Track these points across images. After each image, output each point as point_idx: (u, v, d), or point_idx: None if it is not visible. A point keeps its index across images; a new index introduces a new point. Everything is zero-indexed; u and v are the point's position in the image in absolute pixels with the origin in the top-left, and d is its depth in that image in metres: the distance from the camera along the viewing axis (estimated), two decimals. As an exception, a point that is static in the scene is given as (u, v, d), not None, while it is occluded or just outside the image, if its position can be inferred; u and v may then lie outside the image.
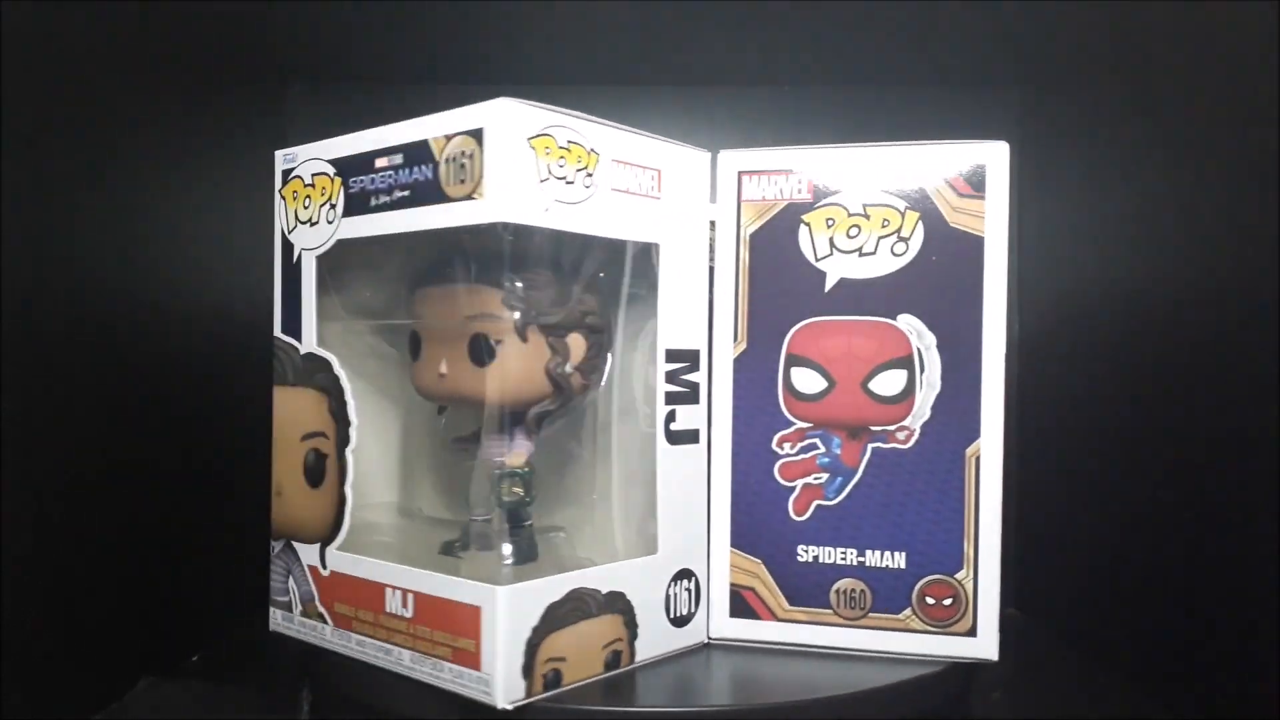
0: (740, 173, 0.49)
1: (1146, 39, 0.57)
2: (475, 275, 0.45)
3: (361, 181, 0.46)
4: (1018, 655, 0.60)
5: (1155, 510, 0.54)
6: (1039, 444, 0.69)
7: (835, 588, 0.48)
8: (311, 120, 0.74)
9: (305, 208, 0.49)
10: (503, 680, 0.40)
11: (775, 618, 0.48)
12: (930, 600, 0.47)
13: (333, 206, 0.47)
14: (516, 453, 0.46)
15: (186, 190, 0.59)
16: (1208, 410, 0.50)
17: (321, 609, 0.48)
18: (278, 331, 0.50)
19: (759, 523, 0.48)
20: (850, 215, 0.47)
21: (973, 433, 0.46)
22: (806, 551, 0.48)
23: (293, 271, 0.49)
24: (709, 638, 0.49)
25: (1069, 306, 0.66)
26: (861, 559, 0.47)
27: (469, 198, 0.41)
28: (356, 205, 0.46)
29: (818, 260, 0.48)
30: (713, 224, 0.49)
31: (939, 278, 0.46)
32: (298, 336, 0.49)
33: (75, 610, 0.48)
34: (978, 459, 0.46)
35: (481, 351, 0.44)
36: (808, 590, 0.48)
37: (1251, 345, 0.46)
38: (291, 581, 0.50)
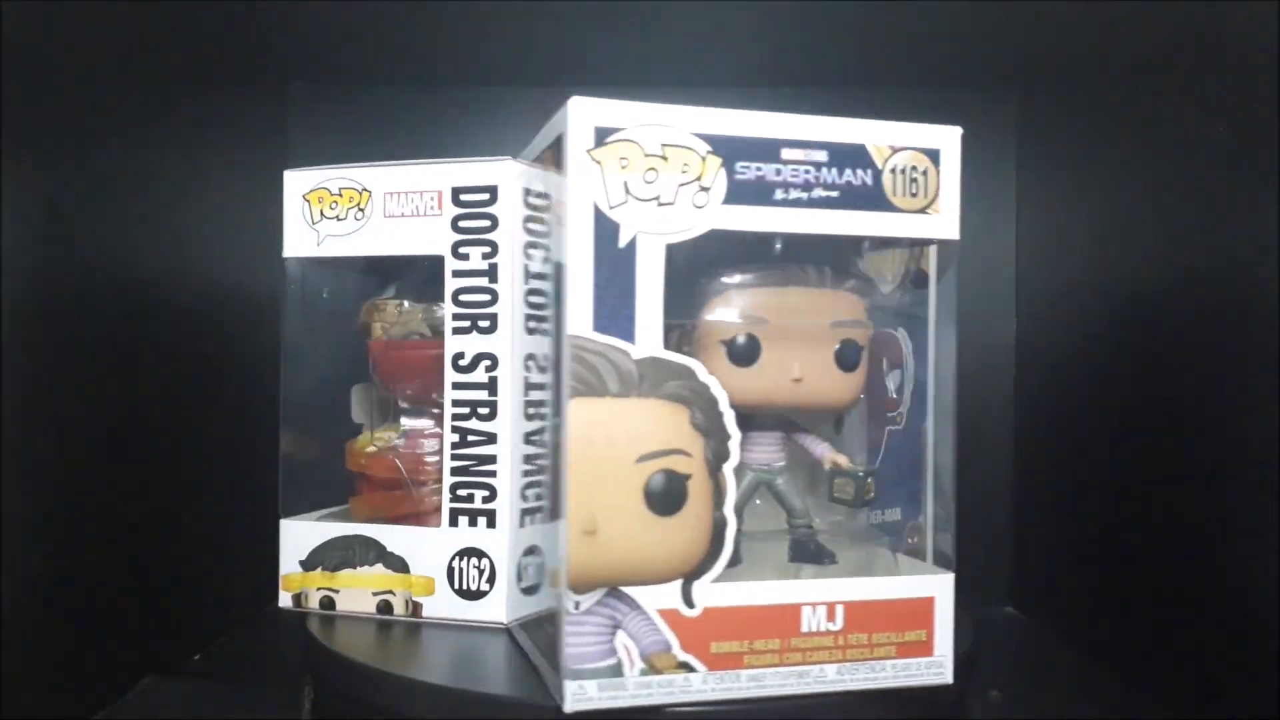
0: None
1: (1146, 39, 0.56)
2: (834, 280, 0.46)
3: (759, 169, 0.42)
4: (1018, 655, 0.63)
5: (1155, 510, 0.54)
6: (1036, 444, 0.70)
7: None
8: (311, 120, 0.73)
9: (648, 182, 0.42)
10: (949, 657, 0.45)
11: None
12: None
13: (704, 189, 0.42)
14: (839, 453, 0.48)
15: (187, 189, 0.58)
16: (1207, 410, 0.50)
17: (687, 657, 0.42)
18: (582, 330, 0.41)
19: None
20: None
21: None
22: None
23: (620, 258, 0.41)
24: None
25: (1068, 306, 0.66)
26: None
27: (923, 212, 0.44)
28: (746, 194, 0.42)
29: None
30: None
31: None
32: (628, 338, 0.41)
33: (75, 610, 0.48)
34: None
35: (853, 357, 0.46)
36: None
37: (1252, 345, 0.46)
38: (622, 638, 0.41)
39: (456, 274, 0.53)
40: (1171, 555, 0.52)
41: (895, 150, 0.43)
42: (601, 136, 0.40)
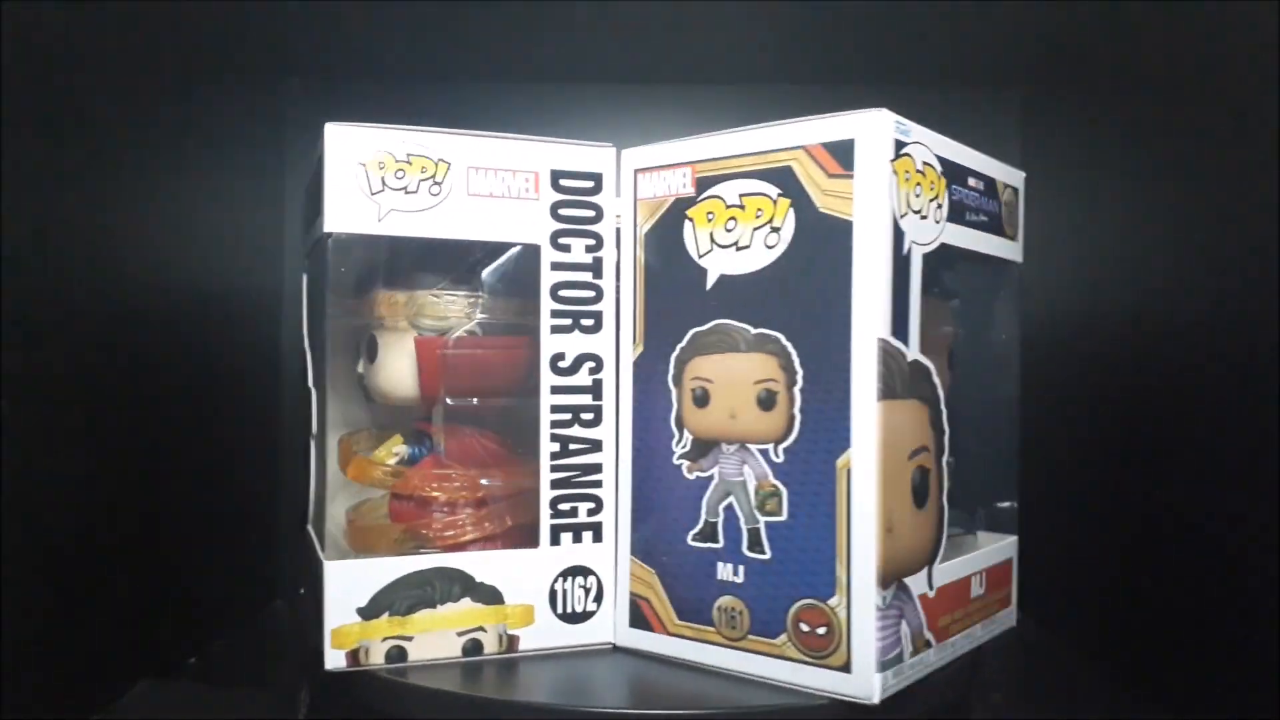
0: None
1: (1149, 39, 0.56)
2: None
3: (961, 193, 0.48)
4: (1020, 658, 0.61)
5: (1157, 512, 0.54)
6: (1040, 446, 0.67)
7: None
8: (310, 120, 0.66)
9: (917, 196, 0.45)
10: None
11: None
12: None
13: (940, 206, 0.46)
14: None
15: (185, 188, 0.58)
16: (1210, 411, 0.50)
17: (928, 634, 0.46)
18: (885, 334, 0.43)
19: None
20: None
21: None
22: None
23: (902, 265, 0.43)
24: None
25: (1071, 309, 0.65)
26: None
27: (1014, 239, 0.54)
28: (955, 214, 0.47)
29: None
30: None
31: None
32: (906, 341, 0.44)
33: (75, 610, 0.48)
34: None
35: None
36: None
37: (1252, 347, 0.46)
38: (904, 627, 0.45)
39: (556, 266, 0.49)
40: (1174, 558, 0.52)
41: (1007, 187, 0.51)
42: (899, 149, 0.42)
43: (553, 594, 0.48)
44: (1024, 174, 0.54)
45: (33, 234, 0.44)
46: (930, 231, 0.45)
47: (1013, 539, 0.54)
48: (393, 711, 0.44)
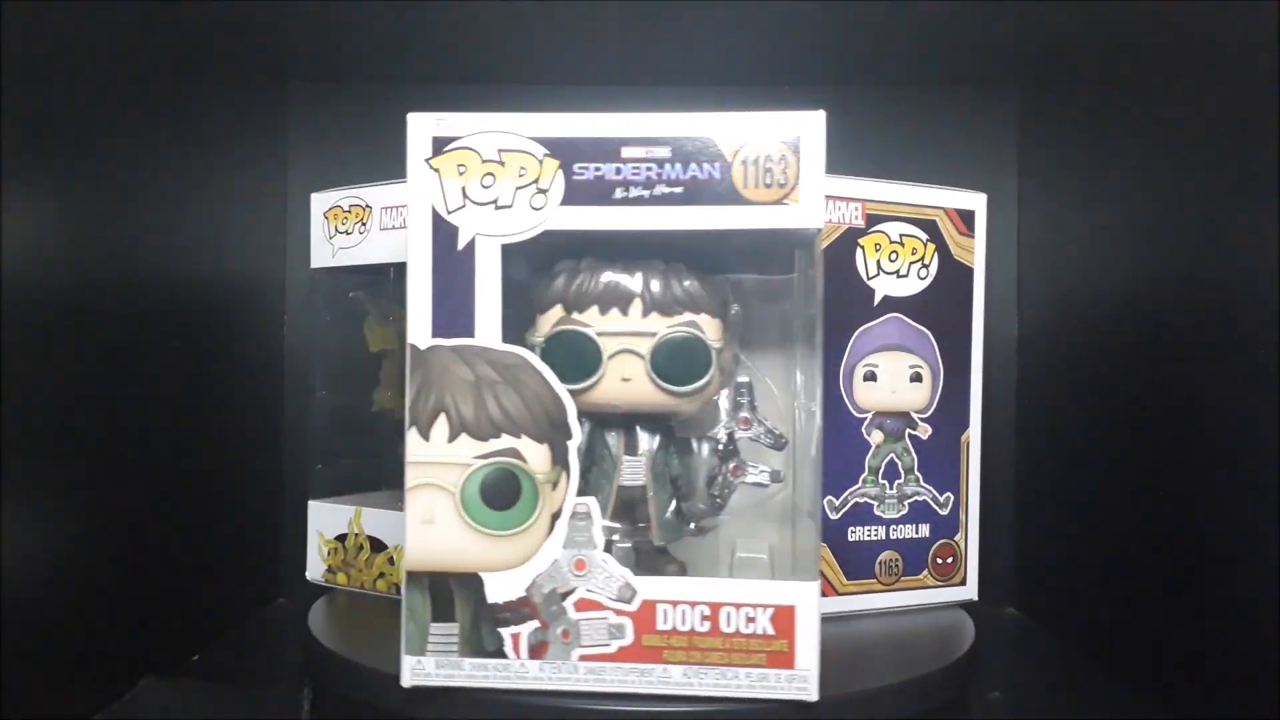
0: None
1: (1148, 38, 0.57)
2: None
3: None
4: (1018, 655, 0.63)
5: (1155, 510, 0.55)
6: (1039, 444, 0.69)
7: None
8: (311, 120, 0.73)
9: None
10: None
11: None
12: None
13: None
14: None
15: (186, 189, 0.59)
16: (1208, 410, 0.50)
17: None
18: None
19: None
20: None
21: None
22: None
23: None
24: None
25: (1069, 306, 0.66)
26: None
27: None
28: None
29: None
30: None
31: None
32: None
33: (75, 610, 0.48)
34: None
35: None
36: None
37: (1252, 345, 0.46)
38: None
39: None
40: (1173, 556, 0.52)
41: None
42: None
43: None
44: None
45: (32, 234, 0.45)
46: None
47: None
48: (395, 711, 0.44)
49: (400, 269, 0.52)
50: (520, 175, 0.43)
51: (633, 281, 0.46)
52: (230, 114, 0.65)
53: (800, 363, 0.49)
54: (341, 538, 0.61)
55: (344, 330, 0.64)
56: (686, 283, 0.46)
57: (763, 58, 0.69)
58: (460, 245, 0.43)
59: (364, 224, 0.59)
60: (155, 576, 0.56)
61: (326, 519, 0.62)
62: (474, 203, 0.43)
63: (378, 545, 0.60)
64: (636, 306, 0.45)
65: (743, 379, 0.48)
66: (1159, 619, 0.53)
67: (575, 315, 0.46)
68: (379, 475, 0.66)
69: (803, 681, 0.43)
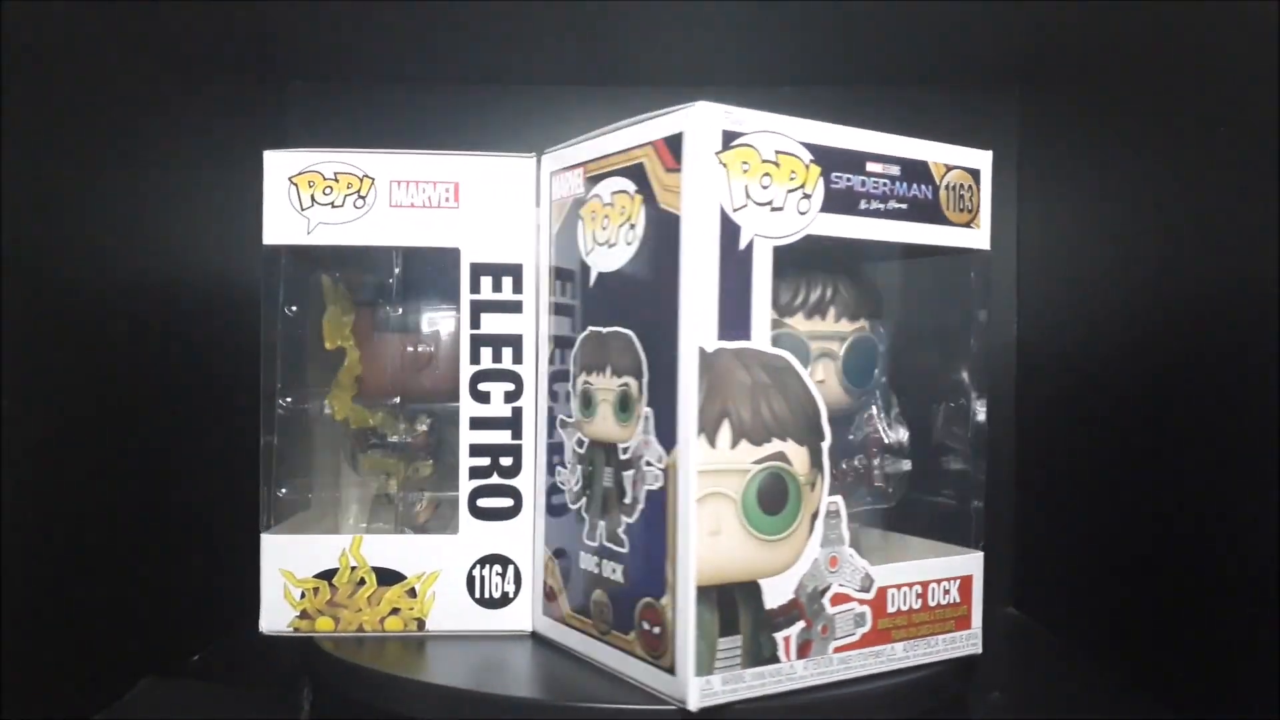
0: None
1: (1148, 38, 0.56)
2: None
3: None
4: (1018, 655, 0.62)
5: (1155, 510, 0.54)
6: (1038, 445, 0.68)
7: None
8: (311, 120, 0.73)
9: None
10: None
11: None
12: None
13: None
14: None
15: (186, 189, 0.59)
16: (1208, 410, 0.50)
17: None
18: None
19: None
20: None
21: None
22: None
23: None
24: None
25: (1068, 307, 0.65)
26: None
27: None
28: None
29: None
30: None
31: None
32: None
33: (75, 610, 0.48)
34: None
35: None
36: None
37: (1251, 345, 0.46)
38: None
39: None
40: (1173, 555, 0.52)
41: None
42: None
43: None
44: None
45: (31, 235, 0.45)
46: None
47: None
48: (394, 711, 0.45)
49: (412, 256, 0.54)
50: (791, 179, 0.43)
51: (828, 286, 0.48)
52: (230, 113, 0.65)
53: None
54: (328, 574, 0.51)
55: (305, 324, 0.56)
56: (861, 288, 0.49)
57: (763, 58, 0.69)
58: (741, 245, 0.42)
59: (361, 196, 0.51)
60: (155, 577, 0.55)
61: (294, 554, 0.51)
62: (754, 203, 0.42)
63: (389, 577, 0.51)
64: (832, 311, 0.48)
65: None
66: (1159, 619, 0.53)
67: (785, 320, 0.47)
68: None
69: (975, 637, 0.50)
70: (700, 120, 0.41)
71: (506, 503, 0.52)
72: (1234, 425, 0.47)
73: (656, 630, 0.43)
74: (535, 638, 0.51)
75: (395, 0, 0.57)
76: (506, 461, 0.52)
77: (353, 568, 0.51)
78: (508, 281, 0.52)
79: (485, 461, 0.51)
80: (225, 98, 0.65)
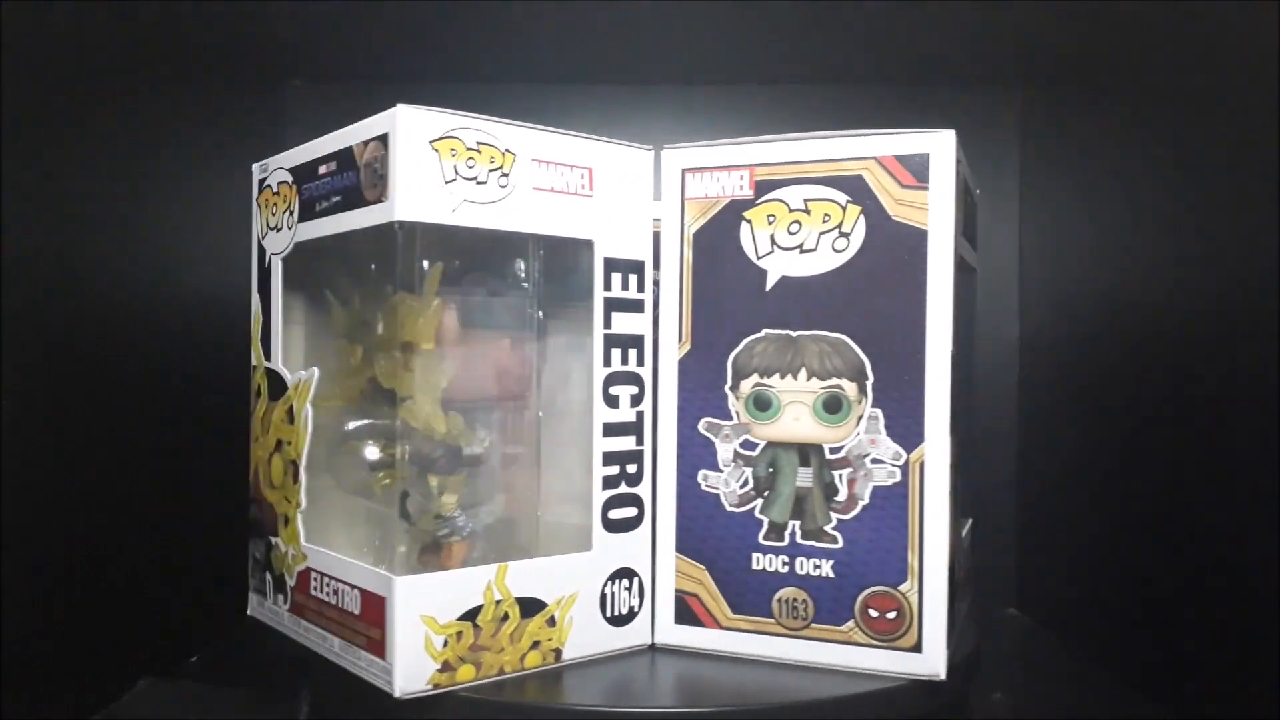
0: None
1: (1148, 39, 0.55)
2: None
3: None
4: (1018, 655, 0.61)
5: (1155, 511, 0.54)
6: (1039, 446, 0.68)
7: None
8: (310, 120, 0.73)
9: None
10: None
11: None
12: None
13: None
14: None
15: (186, 189, 0.60)
16: (1208, 412, 0.49)
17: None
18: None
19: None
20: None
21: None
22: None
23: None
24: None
25: (1070, 308, 0.64)
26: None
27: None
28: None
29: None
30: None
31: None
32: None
33: (75, 610, 0.48)
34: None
35: None
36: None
37: (1252, 346, 0.45)
38: None
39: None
40: (1174, 557, 0.52)
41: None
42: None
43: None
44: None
45: (32, 235, 0.45)
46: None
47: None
48: (393, 713, 0.43)
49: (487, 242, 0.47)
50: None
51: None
52: (228, 114, 0.65)
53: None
54: (471, 614, 0.44)
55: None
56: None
57: (763, 57, 0.69)
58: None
59: (505, 174, 0.45)
60: (155, 577, 0.55)
61: (436, 595, 0.43)
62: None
63: (531, 607, 0.46)
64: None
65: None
66: (1159, 619, 0.53)
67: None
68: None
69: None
70: (946, 144, 0.45)
71: (632, 512, 0.49)
72: (1234, 426, 0.47)
73: (892, 615, 0.45)
74: (655, 650, 0.50)
75: (394, 0, 0.58)
76: (632, 469, 0.49)
77: (497, 601, 0.44)
78: (634, 279, 0.49)
79: (615, 470, 0.48)
80: (225, 98, 0.64)
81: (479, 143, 0.44)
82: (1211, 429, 0.49)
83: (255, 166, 0.55)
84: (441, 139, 0.43)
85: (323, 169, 0.48)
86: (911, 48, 0.66)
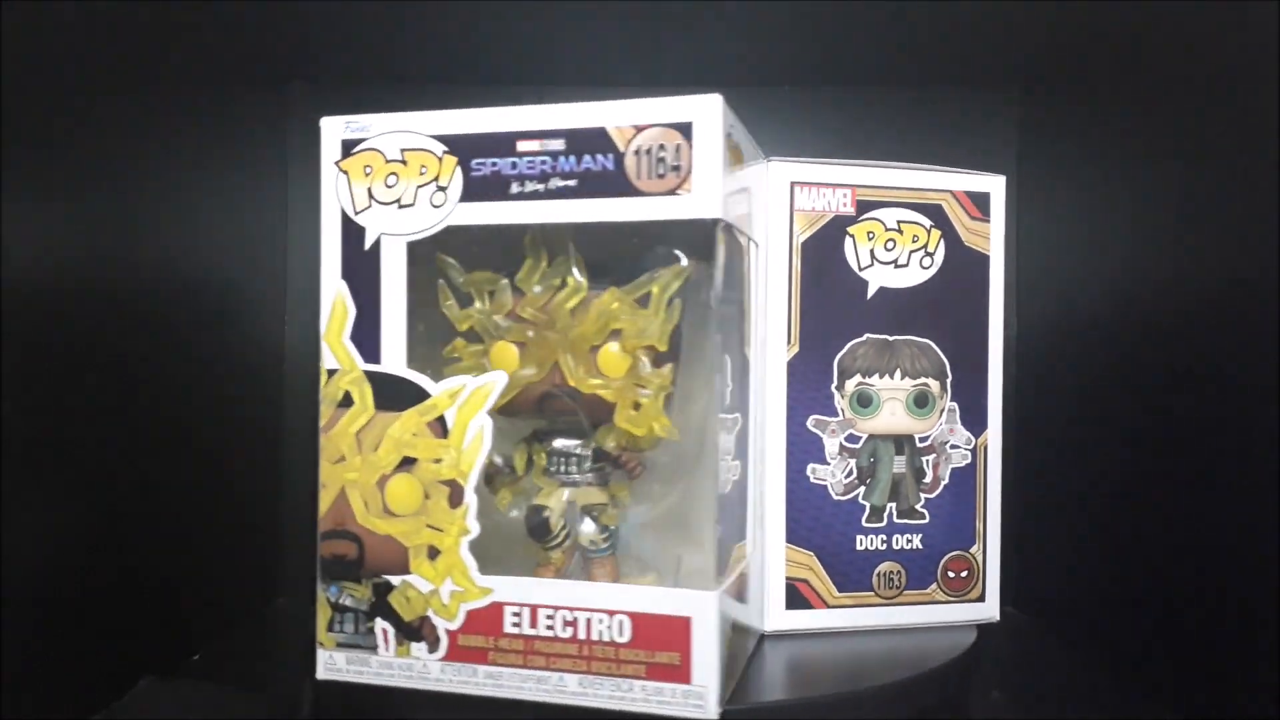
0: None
1: (1147, 39, 0.55)
2: None
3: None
4: (1018, 655, 0.60)
5: (1155, 510, 0.53)
6: (1038, 445, 0.67)
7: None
8: (311, 120, 0.75)
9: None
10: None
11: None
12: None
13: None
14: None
15: (186, 189, 0.60)
16: (1207, 411, 0.49)
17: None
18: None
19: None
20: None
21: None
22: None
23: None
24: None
25: (1067, 309, 0.64)
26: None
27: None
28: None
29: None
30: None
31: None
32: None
33: (75, 610, 0.49)
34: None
35: None
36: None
37: (1251, 346, 0.45)
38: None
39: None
40: (1171, 555, 0.52)
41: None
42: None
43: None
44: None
45: (31, 236, 0.45)
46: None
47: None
48: (395, 712, 0.44)
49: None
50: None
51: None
52: (230, 114, 0.64)
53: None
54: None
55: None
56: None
57: (762, 58, 0.68)
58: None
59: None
60: (155, 576, 0.55)
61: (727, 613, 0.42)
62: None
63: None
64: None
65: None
66: (1159, 619, 0.53)
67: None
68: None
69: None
70: (1000, 186, 0.56)
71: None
72: (1234, 425, 0.47)
73: (965, 574, 0.55)
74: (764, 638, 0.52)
75: (395, 0, 0.57)
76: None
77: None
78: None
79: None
80: (225, 98, 0.64)
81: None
82: (1211, 428, 0.49)
83: (331, 121, 0.45)
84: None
85: (528, 145, 0.42)
86: (912, 48, 0.66)
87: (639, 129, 0.41)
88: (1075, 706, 0.53)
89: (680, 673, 0.40)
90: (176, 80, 0.58)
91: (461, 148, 0.43)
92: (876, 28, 0.63)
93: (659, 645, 0.40)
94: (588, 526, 0.46)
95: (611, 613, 0.41)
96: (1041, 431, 0.67)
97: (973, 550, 0.55)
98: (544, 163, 0.42)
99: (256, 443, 0.68)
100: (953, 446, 0.55)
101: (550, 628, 0.42)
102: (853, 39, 0.65)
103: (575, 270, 0.44)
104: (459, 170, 0.43)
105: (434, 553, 0.43)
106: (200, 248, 0.60)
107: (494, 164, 0.43)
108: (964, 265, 0.55)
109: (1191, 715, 0.49)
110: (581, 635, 0.41)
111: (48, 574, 0.46)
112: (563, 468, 0.46)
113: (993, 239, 0.55)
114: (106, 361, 0.50)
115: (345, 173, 0.44)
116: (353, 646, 0.44)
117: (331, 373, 0.44)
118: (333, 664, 0.44)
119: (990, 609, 0.55)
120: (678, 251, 0.44)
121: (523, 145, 0.42)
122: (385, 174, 0.43)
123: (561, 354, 0.44)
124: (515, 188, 0.42)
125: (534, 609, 0.42)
